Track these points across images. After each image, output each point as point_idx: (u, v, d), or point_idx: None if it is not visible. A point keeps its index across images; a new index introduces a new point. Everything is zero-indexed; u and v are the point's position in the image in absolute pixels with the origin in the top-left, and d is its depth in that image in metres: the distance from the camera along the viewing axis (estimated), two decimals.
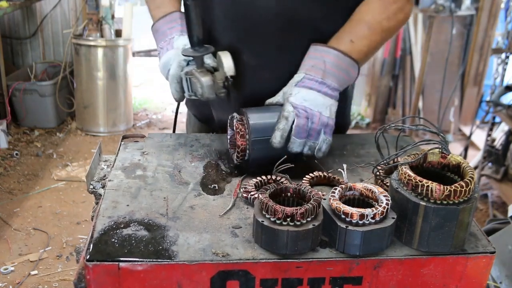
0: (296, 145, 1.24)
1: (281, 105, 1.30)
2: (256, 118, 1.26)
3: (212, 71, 1.35)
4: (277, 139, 1.22)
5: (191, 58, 1.36)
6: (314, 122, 1.24)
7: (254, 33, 1.42)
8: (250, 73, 1.45)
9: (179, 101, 1.42)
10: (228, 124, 1.35)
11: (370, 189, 1.04)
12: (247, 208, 1.15)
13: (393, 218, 0.99)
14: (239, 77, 1.40)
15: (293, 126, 1.23)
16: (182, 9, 1.46)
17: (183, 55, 1.34)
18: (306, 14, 1.40)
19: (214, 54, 1.38)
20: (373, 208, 0.97)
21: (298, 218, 0.96)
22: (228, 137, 1.36)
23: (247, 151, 1.26)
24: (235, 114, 1.31)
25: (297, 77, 1.31)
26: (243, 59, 1.43)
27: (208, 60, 1.36)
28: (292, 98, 1.26)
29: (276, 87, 1.34)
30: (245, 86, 1.45)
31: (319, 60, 1.31)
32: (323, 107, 1.26)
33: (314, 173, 1.26)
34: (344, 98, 1.65)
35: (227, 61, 1.31)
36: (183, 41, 1.39)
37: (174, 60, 1.38)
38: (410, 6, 1.43)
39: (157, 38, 1.47)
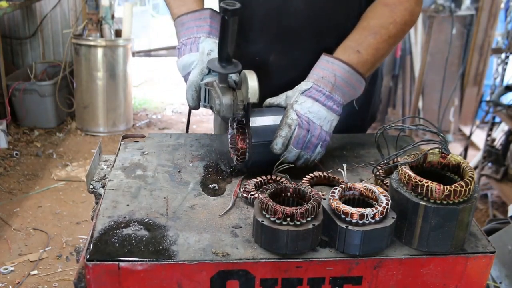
0: (292, 155, 1.24)
1: (282, 107, 1.29)
2: (257, 121, 1.26)
3: (234, 87, 1.26)
4: (278, 146, 1.22)
5: None
6: (314, 135, 1.24)
7: (286, 35, 1.44)
8: (279, 73, 1.47)
9: (193, 109, 1.35)
10: (229, 124, 1.34)
11: (370, 189, 1.04)
12: (247, 208, 1.15)
13: (393, 218, 0.99)
14: (268, 78, 1.40)
15: (293, 135, 1.22)
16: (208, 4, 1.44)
17: (209, 68, 1.26)
18: (333, 17, 1.42)
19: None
20: (373, 208, 0.97)
21: (298, 218, 0.96)
22: (229, 136, 1.36)
23: (247, 154, 1.26)
24: None
25: (304, 85, 1.29)
26: (273, 60, 1.45)
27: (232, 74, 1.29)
28: (297, 106, 1.25)
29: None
30: (272, 85, 1.42)
31: (329, 72, 1.29)
32: (325, 122, 1.26)
33: (314, 173, 1.26)
34: (367, 100, 1.66)
35: (252, 85, 1.18)
36: (209, 45, 1.32)
37: (196, 66, 1.31)
38: (419, 9, 1.41)
39: (180, 32, 1.38)
